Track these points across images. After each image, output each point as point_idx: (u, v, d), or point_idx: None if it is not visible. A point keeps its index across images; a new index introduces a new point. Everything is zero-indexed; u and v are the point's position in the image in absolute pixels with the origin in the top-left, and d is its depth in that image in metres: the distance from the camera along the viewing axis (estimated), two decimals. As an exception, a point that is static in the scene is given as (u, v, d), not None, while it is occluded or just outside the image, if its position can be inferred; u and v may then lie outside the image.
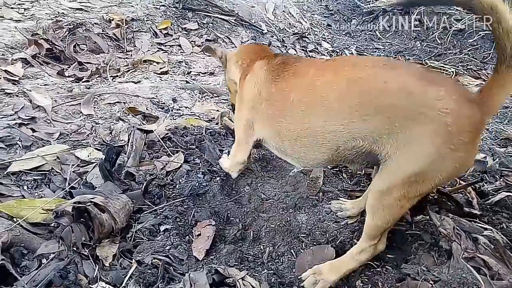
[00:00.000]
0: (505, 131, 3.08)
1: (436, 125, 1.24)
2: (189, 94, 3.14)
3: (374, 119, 1.35)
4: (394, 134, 1.32)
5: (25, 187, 1.93)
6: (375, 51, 5.18)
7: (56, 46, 3.31)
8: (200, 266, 1.70)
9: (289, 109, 1.60)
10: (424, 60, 4.89)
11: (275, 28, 5.11)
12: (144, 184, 1.99)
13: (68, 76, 3.10)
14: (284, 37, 4.96)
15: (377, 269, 1.69)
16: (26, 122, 2.33)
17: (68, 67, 3.22)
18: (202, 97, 3.16)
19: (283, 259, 1.81)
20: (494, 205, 1.99)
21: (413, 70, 1.37)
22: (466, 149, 1.27)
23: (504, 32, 1.22)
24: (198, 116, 2.84)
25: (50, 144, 2.24)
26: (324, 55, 4.90)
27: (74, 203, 1.60)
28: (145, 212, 1.94)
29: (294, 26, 5.39)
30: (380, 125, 1.34)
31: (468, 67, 4.76)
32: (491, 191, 2.10)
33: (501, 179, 2.23)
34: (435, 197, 1.80)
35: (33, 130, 2.30)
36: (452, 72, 4.58)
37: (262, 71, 1.79)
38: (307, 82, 1.55)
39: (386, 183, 1.39)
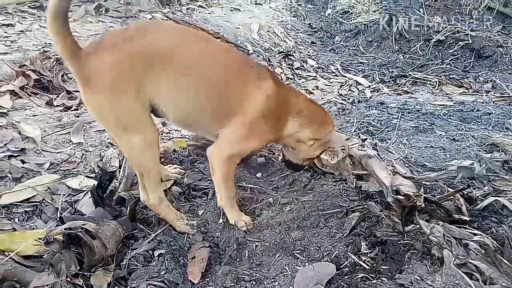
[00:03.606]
0: (490, 137, 3.15)
1: None
2: (178, 117, 3.17)
3: None
4: None
5: (16, 220, 1.92)
6: (359, 65, 5.30)
7: (44, 76, 3.33)
8: (196, 289, 1.70)
9: None
10: (407, 72, 5.01)
11: (260, 47, 5.21)
12: (129, 208, 1.98)
13: (57, 106, 3.12)
14: (270, 56, 5.06)
15: (373, 281, 1.70)
16: (15, 154, 2.34)
17: (57, 97, 3.23)
18: (191, 119, 3.18)
19: (279, 277, 1.80)
20: (483, 210, 2.02)
21: None
22: None
23: None
24: (188, 138, 2.86)
25: (41, 174, 2.24)
26: (310, 71, 4.99)
27: (65, 229, 1.60)
28: (138, 238, 1.94)
29: (279, 45, 5.50)
30: None
31: (451, 76, 4.90)
32: (479, 197, 2.13)
33: (489, 184, 2.26)
34: (424, 205, 1.82)
35: (23, 162, 2.30)
36: (436, 82, 4.71)
37: None
38: None
39: None
